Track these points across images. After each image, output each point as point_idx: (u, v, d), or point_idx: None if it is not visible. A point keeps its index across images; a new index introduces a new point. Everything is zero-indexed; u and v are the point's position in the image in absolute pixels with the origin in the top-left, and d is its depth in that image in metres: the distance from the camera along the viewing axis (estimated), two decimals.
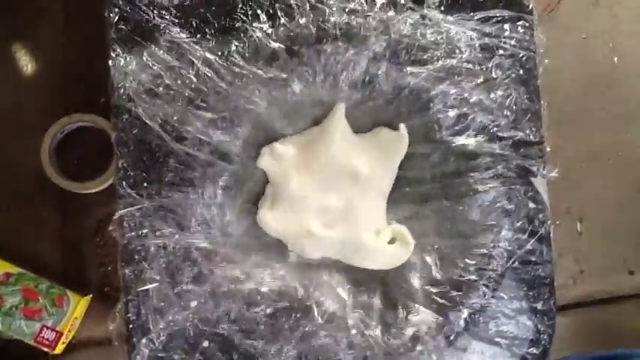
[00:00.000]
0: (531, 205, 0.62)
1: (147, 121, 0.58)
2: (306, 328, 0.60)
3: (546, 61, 0.63)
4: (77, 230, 0.73)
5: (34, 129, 0.69)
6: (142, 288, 0.58)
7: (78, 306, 0.68)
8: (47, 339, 0.67)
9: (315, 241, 0.63)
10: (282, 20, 0.59)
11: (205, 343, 0.59)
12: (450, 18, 0.60)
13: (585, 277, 0.81)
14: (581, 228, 0.81)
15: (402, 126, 0.63)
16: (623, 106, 0.82)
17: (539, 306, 0.62)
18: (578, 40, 0.81)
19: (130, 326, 0.58)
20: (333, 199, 0.63)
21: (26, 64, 0.73)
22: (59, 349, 0.68)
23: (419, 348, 0.61)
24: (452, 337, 0.61)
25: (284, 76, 0.60)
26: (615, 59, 0.82)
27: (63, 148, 0.70)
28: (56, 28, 0.73)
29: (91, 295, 0.71)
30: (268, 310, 0.60)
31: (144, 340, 0.58)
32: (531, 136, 0.62)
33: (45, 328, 0.67)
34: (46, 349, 0.68)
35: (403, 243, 0.63)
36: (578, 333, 0.79)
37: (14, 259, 0.69)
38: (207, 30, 0.59)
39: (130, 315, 0.58)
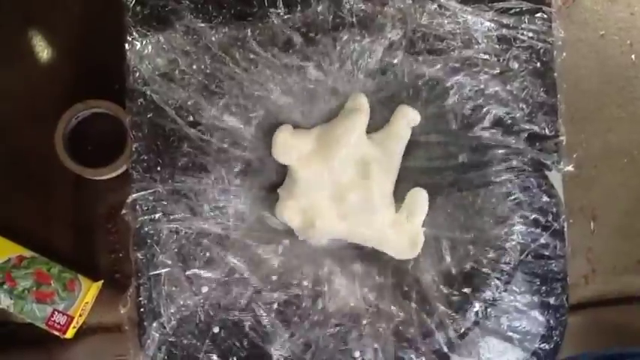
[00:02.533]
0: (546, 198, 0.62)
1: (162, 105, 0.59)
2: (317, 317, 0.60)
3: (564, 54, 0.62)
4: (89, 216, 0.73)
5: (49, 114, 0.69)
6: (154, 272, 0.59)
7: (89, 291, 0.68)
8: (58, 323, 0.67)
9: (327, 229, 0.63)
10: (299, 6, 0.59)
11: (216, 329, 0.59)
12: (467, 8, 0.60)
13: (597, 276, 0.80)
14: (594, 227, 0.80)
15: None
16: None
17: (551, 301, 0.62)
18: (595, 37, 0.80)
19: (141, 310, 0.59)
20: (349, 189, 0.63)
21: (41, 49, 0.73)
22: (70, 333, 0.68)
23: (430, 340, 0.61)
24: (463, 330, 0.61)
25: (299, 63, 0.60)
26: (633, 57, 0.81)
27: (77, 134, 0.70)
28: (71, 14, 0.73)
29: (102, 281, 0.71)
30: (279, 298, 0.60)
31: (155, 325, 0.58)
32: (547, 130, 0.62)
33: (56, 312, 0.67)
34: (56, 333, 0.68)
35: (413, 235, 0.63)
36: (589, 332, 0.78)
37: (27, 243, 0.69)
38: (223, 15, 0.59)
39: (141, 299, 0.59)
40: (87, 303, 0.69)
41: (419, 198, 0.64)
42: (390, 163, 0.64)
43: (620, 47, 0.81)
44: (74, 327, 0.69)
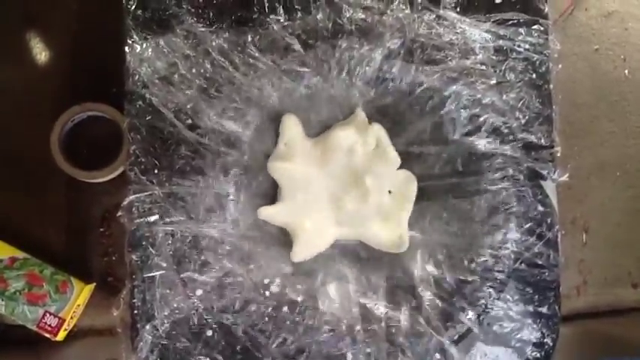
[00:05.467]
0: (540, 208, 0.62)
1: (160, 108, 0.59)
2: (310, 322, 0.60)
3: (559, 66, 0.63)
4: (83, 219, 0.73)
5: (45, 116, 0.69)
6: (148, 274, 0.59)
7: (81, 293, 0.68)
8: (49, 325, 0.67)
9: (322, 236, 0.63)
10: (299, 13, 0.59)
11: (209, 333, 0.59)
12: (465, 19, 0.61)
13: (589, 288, 0.81)
14: (586, 239, 0.81)
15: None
16: (633, 119, 0.82)
17: (544, 310, 0.62)
18: (589, 51, 0.81)
19: (135, 312, 0.58)
20: (344, 197, 0.63)
21: (39, 51, 0.73)
22: (61, 335, 0.68)
23: (422, 347, 0.61)
24: (456, 337, 0.61)
25: (298, 69, 0.60)
26: (626, 72, 0.82)
27: (73, 136, 0.70)
28: (70, 16, 0.73)
29: (94, 284, 0.70)
30: (272, 303, 0.60)
31: (148, 327, 0.58)
32: (542, 140, 0.63)
33: (48, 314, 0.67)
34: (47, 336, 0.67)
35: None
36: (581, 343, 0.78)
37: (20, 244, 0.69)
38: (223, 20, 0.59)
39: (135, 301, 0.59)
40: (79, 305, 0.69)
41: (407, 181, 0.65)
42: (386, 171, 0.64)
43: (613, 62, 0.82)
44: (65, 329, 0.68)
